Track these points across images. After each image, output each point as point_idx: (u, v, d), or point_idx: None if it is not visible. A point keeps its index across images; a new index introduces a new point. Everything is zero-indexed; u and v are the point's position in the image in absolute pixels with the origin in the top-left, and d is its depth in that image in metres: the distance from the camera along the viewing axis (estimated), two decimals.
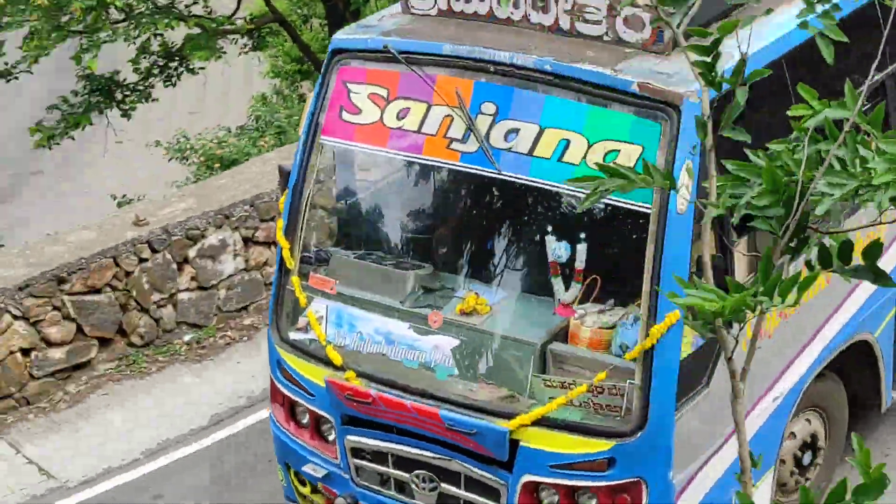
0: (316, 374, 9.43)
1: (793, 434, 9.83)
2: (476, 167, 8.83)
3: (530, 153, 8.58)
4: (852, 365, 10.24)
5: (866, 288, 9.84)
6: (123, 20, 17.10)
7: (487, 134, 8.73)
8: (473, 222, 9.77)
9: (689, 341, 8.45)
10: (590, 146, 8.38)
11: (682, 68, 8.31)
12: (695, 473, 8.69)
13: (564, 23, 8.77)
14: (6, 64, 16.46)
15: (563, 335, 8.80)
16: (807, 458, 9.99)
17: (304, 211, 9.66)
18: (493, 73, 8.77)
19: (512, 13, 8.99)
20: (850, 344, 9.96)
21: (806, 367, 9.45)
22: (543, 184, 8.63)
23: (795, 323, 9.23)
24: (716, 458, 8.81)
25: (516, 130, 8.65)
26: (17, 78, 16.81)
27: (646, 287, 8.23)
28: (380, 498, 9.36)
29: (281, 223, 9.75)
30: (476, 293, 9.16)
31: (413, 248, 9.88)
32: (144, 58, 17.67)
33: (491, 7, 9.09)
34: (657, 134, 8.17)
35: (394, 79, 9.18)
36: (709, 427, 8.67)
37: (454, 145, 8.89)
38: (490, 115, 8.75)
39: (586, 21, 8.69)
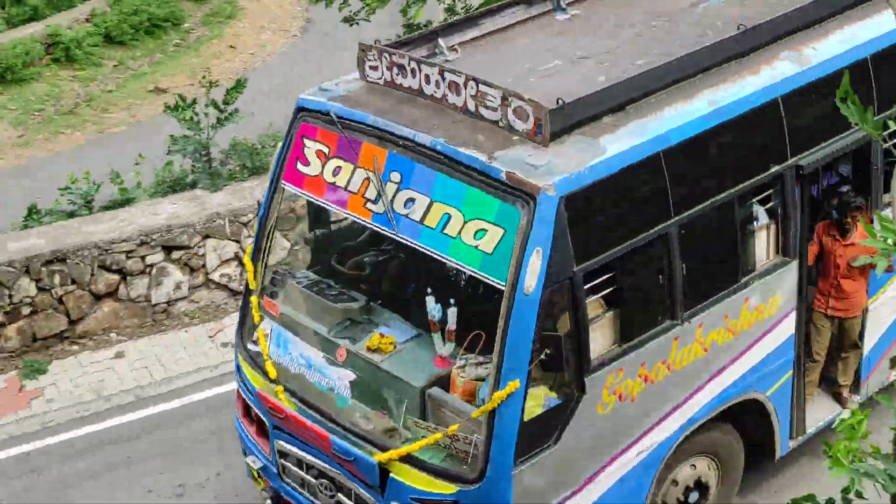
0: (258, 383, 9.45)
1: (675, 481, 9.41)
2: (381, 227, 8.63)
3: (421, 222, 8.32)
4: (751, 417, 9.81)
5: (756, 354, 9.37)
6: None
7: (392, 199, 8.51)
8: (402, 267, 9.58)
9: (540, 403, 8.15)
10: (465, 223, 8.07)
11: (552, 160, 7.99)
12: None
13: (471, 106, 8.46)
14: (350, 12, 17.68)
15: (447, 381, 8.63)
16: (693, 497, 9.62)
17: (268, 240, 9.63)
18: (402, 147, 8.53)
19: (435, 92, 8.83)
20: (739, 401, 9.42)
21: (678, 425, 8.92)
22: (426, 249, 8.39)
23: (662, 388, 8.74)
24: None
25: (413, 200, 8.39)
26: (357, 24, 17.85)
27: (495, 357, 7.95)
28: (297, 496, 9.34)
29: (249, 249, 9.85)
30: (381, 333, 9.01)
31: (354, 282, 9.74)
32: (449, 16, 18.50)
33: (420, 84, 8.92)
34: (517, 220, 7.83)
35: (334, 139, 8.99)
36: (558, 479, 8.32)
37: (368, 205, 8.67)
38: (396, 183, 8.50)
39: (486, 107, 8.38)
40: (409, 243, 8.49)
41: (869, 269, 9.80)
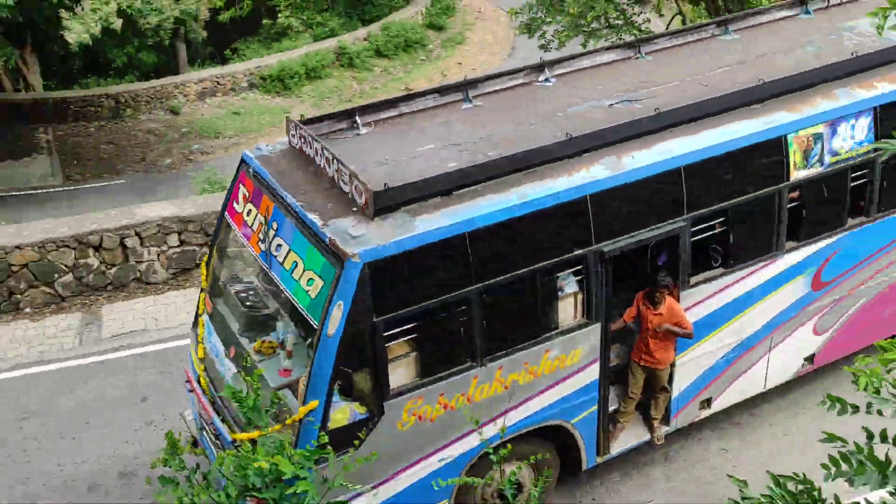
0: (193, 358, 10.75)
1: (488, 483, 10.15)
2: (263, 262, 9.51)
3: (282, 264, 9.14)
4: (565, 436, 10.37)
5: (558, 392, 9.89)
6: (607, 27, 22.45)
7: (271, 242, 9.37)
8: None
9: (347, 416, 8.91)
10: (304, 271, 8.85)
11: (368, 232, 8.63)
12: None
13: (336, 179, 9.22)
14: (544, 40, 21.92)
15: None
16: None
17: (214, 252, 10.68)
18: (280, 203, 9.34)
19: (320, 163, 9.53)
20: (546, 426, 10.00)
21: (478, 441, 9.54)
22: (282, 286, 9.17)
23: (462, 413, 9.38)
24: (361, 499, 9.31)
25: (281, 246, 9.22)
26: (549, 50, 21.59)
27: (303, 380, 8.81)
28: (208, 448, 10.36)
29: (206, 258, 11.06)
30: (263, 340, 9.98)
31: (271, 295, 10.65)
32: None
33: (314, 155, 9.68)
34: (332, 276, 8.57)
35: (251, 187, 9.95)
36: (359, 476, 8.86)
37: (259, 243, 9.59)
38: (274, 230, 9.35)
39: (343, 182, 9.12)
40: (275, 279, 9.53)
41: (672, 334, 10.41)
